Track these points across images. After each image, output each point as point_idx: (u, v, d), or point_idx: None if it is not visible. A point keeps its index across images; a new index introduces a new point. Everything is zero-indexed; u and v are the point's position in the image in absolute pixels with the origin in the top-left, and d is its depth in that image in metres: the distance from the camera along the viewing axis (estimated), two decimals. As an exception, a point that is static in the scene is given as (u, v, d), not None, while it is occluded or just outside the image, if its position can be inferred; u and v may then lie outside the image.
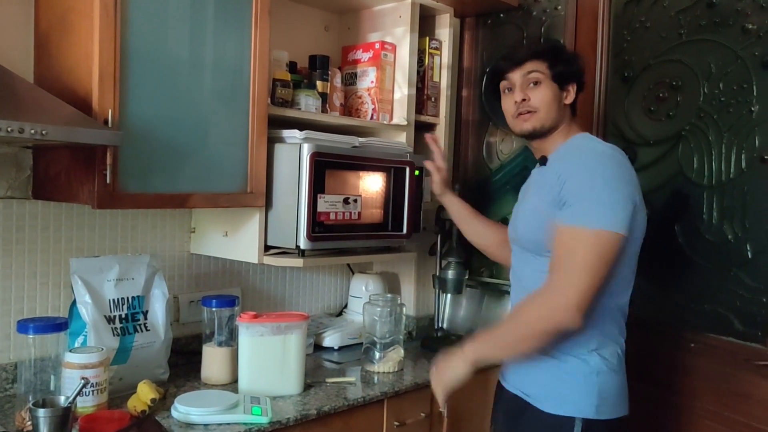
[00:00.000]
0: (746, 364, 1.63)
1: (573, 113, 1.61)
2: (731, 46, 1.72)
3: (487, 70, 1.62)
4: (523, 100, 1.55)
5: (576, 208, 1.39)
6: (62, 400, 1.35)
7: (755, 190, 1.67)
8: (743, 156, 1.69)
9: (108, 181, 1.43)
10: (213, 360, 1.78)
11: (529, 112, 1.56)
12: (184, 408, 1.49)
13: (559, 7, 2.22)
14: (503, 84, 1.61)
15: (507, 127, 1.63)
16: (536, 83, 1.55)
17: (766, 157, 1.64)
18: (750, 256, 1.67)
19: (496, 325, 1.57)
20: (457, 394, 1.56)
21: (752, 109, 1.67)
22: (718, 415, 1.70)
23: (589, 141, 1.56)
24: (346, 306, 2.35)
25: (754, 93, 1.67)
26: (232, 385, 1.75)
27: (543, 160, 1.59)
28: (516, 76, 1.57)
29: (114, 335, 1.62)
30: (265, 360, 1.69)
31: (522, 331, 1.46)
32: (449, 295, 2.38)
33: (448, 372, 1.51)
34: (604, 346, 1.47)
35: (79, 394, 1.35)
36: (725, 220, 1.73)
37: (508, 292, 1.77)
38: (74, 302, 1.62)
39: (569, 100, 1.58)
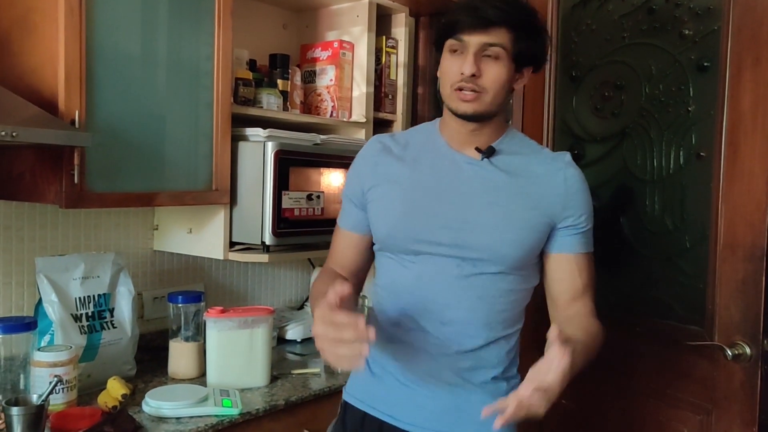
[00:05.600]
0: (686, 346, 1.75)
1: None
2: (670, 50, 1.84)
3: (442, 21, 1.29)
4: (473, 75, 1.25)
5: (589, 235, 1.35)
6: (35, 398, 1.36)
7: (692, 184, 1.79)
8: (681, 152, 1.81)
9: (75, 181, 1.44)
10: (180, 355, 1.80)
11: (474, 91, 1.26)
12: (156, 402, 1.52)
13: (511, 8, 2.31)
14: (452, 43, 1.28)
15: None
16: (494, 58, 1.26)
17: (702, 153, 1.76)
18: (688, 246, 1.79)
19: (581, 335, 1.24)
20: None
21: (689, 109, 1.79)
22: (662, 393, 1.82)
23: (534, 142, 1.42)
24: (307, 299, 2.40)
25: (691, 94, 1.79)
26: (199, 379, 1.78)
27: (490, 151, 1.33)
28: (474, 41, 1.24)
29: (81, 333, 1.63)
30: (232, 353, 1.73)
31: (593, 352, 1.25)
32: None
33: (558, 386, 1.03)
34: None
35: (52, 391, 1.37)
36: (666, 213, 1.85)
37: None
38: (40, 301, 1.62)
39: (520, 85, 1.34)
